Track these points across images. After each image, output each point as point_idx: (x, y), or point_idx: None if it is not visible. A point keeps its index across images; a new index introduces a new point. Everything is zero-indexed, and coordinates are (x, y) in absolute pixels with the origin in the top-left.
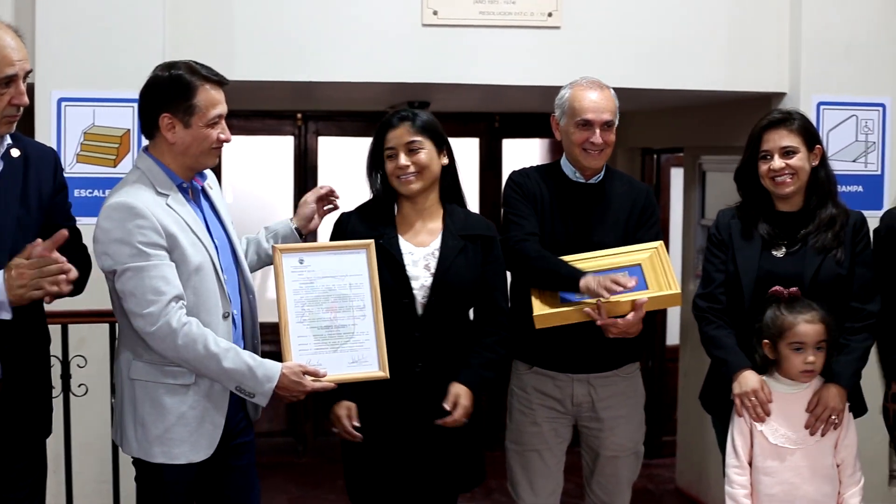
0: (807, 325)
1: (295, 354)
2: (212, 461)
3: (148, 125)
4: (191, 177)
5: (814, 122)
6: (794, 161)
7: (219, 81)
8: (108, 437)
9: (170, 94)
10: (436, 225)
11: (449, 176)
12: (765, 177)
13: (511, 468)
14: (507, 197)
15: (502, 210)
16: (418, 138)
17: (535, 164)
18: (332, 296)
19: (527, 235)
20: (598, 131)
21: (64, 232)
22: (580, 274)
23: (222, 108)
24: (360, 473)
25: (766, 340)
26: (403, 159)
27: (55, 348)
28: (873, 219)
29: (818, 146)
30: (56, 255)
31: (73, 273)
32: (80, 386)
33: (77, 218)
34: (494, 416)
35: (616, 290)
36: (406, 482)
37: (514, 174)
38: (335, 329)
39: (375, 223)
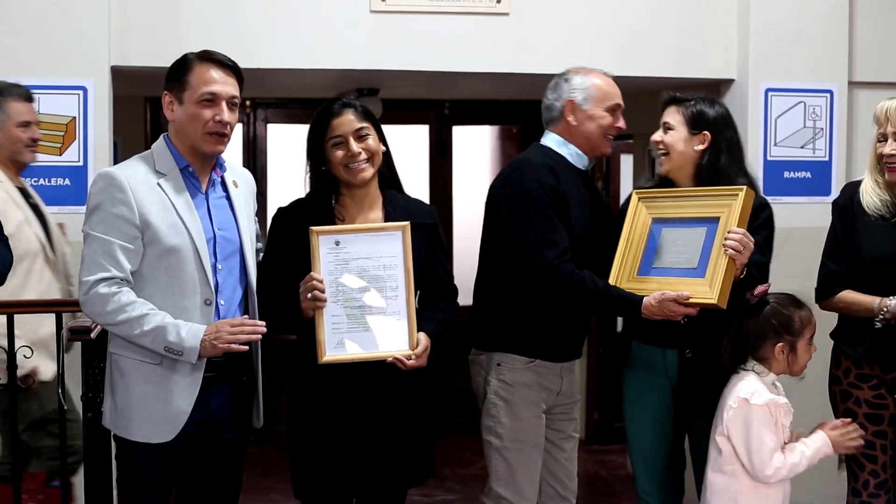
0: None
1: (328, 332)
2: (193, 450)
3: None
4: (198, 163)
5: (761, 108)
6: (667, 137)
7: (221, 62)
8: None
9: (172, 72)
10: (377, 214)
11: (386, 163)
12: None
13: (511, 468)
14: (535, 201)
15: (519, 210)
16: (365, 124)
17: (532, 156)
18: (366, 276)
19: (565, 256)
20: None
21: None
22: (639, 301)
23: (217, 88)
24: (307, 467)
25: (780, 343)
26: (355, 146)
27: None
28: (821, 205)
29: (705, 132)
30: None
31: None
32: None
33: None
34: (445, 403)
35: (678, 308)
36: (354, 476)
37: (535, 173)
38: (368, 308)
39: (314, 219)
